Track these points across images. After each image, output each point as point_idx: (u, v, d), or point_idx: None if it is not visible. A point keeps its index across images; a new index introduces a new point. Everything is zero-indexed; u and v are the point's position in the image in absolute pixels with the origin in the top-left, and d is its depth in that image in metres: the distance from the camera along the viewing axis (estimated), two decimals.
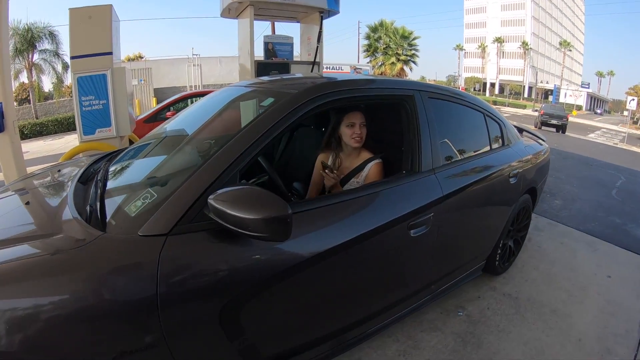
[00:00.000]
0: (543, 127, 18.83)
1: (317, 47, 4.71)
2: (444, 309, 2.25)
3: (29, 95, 19.90)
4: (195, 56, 19.25)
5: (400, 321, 1.88)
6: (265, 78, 2.09)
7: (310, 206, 1.32)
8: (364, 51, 31.57)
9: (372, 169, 1.76)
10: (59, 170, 2.03)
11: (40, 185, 1.80)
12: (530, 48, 54.95)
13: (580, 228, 3.78)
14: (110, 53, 4.10)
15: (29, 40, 18.61)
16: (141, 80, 16.57)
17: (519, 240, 2.73)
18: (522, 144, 2.63)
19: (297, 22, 5.24)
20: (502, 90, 58.01)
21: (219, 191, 1.05)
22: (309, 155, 2.04)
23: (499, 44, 56.64)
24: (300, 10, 4.69)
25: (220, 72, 20.13)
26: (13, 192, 1.68)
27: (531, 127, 3.63)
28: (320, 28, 4.65)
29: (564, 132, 19.16)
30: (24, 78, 20.07)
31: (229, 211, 0.99)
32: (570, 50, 58.63)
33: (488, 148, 2.23)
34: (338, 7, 4.65)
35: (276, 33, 7.34)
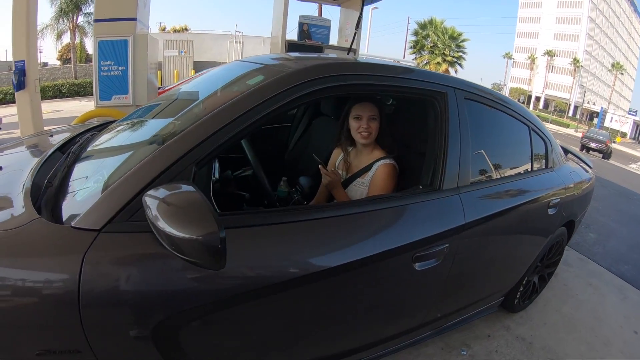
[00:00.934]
0: (588, 152, 18.09)
1: (355, 33, 4.40)
2: (447, 344, 1.97)
3: None
4: (238, 33, 19.37)
5: (395, 353, 1.62)
6: (293, 54, 1.82)
7: (276, 219, 1.03)
8: (410, 47, 30.97)
9: (379, 170, 1.50)
10: (51, 136, 1.90)
11: (26, 149, 1.68)
12: (581, 66, 51.82)
13: (612, 269, 3.38)
14: (135, 19, 3.96)
15: (75, 2, 19.06)
16: (182, 52, 16.81)
17: (545, 277, 2.39)
18: (568, 168, 2.25)
19: (338, 5, 4.95)
20: (546, 105, 55.27)
21: (151, 192, 0.84)
22: (326, 149, 1.80)
23: (549, 57, 53.73)
24: None
25: (263, 51, 20.09)
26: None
27: (576, 150, 3.23)
28: (361, 13, 4.33)
29: (607, 158, 18.41)
30: (67, 39, 20.63)
31: (155, 220, 0.79)
32: (622, 74, 55.05)
33: (528, 169, 1.89)
34: None
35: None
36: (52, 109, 12.39)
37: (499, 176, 1.67)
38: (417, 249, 1.23)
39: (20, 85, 3.94)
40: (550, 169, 2.04)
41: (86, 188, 1.04)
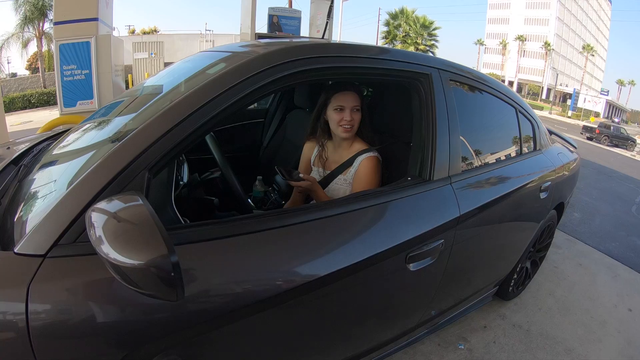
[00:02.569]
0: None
1: (327, 23, 4.28)
2: (443, 339, 1.89)
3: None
4: (208, 32, 19.01)
5: (390, 356, 1.53)
6: (263, 40, 1.67)
7: (245, 228, 0.88)
8: (382, 38, 31.18)
9: (362, 165, 1.38)
10: (8, 148, 1.71)
11: None
12: (552, 49, 53.04)
13: (601, 248, 3.42)
14: (96, 19, 3.73)
15: (40, 8, 18.24)
16: (152, 54, 16.38)
17: (537, 261, 2.34)
18: (556, 149, 2.19)
19: None
20: (520, 89, 56.29)
21: (96, 206, 0.68)
22: (303, 143, 1.66)
23: (520, 42, 54.75)
24: None
25: None
26: None
27: (558, 130, 3.19)
28: (332, 3, 4.22)
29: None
30: (34, 47, 19.76)
31: (99, 243, 0.63)
32: (593, 55, 56.55)
33: (518, 152, 1.80)
34: None
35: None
36: (21, 120, 11.85)
37: (490, 162, 1.57)
38: (411, 248, 1.11)
39: None
40: (539, 151, 1.96)
41: (34, 206, 0.89)
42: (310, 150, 1.60)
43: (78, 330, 0.72)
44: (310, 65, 0.99)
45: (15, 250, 0.72)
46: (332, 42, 1.35)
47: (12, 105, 15.33)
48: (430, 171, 1.22)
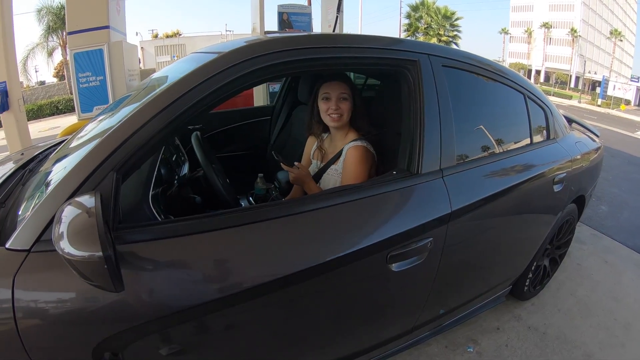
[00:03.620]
0: None
1: (337, 17, 4.19)
2: (451, 341, 1.81)
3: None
4: (228, 32, 19.25)
5: (389, 358, 1.47)
6: (253, 37, 1.67)
7: (210, 225, 0.90)
8: (405, 31, 30.86)
9: (348, 153, 1.35)
10: (22, 154, 1.85)
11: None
12: (579, 35, 50.58)
13: (629, 244, 3.16)
14: (107, 27, 3.83)
15: (62, 17, 19.02)
16: (174, 57, 16.85)
17: (556, 259, 2.20)
18: (573, 138, 2.03)
19: None
20: (547, 78, 53.97)
21: (63, 205, 0.74)
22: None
23: (546, 30, 52.46)
24: None
25: None
26: None
27: (580, 118, 3.00)
28: None
29: None
30: (59, 55, 20.63)
31: (57, 239, 0.70)
32: (622, 41, 53.47)
33: (527, 142, 1.68)
34: None
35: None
36: (49, 126, 12.44)
37: (492, 153, 1.47)
38: (392, 247, 1.05)
39: (3, 106, 3.84)
40: (553, 140, 1.83)
41: (27, 206, 0.97)
42: (310, 145, 1.60)
43: (54, 316, 0.79)
44: (287, 57, 0.97)
45: (6, 246, 0.82)
46: (312, 34, 1.31)
47: (41, 112, 16.10)
48: (418, 164, 1.15)
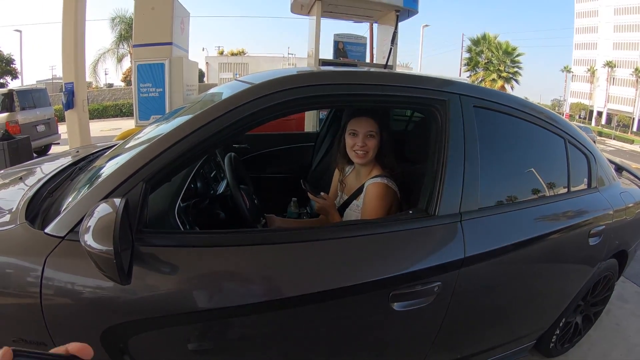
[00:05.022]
0: None
1: (391, 49, 4.29)
2: None
3: None
4: (290, 55, 20.10)
5: None
6: (292, 70, 1.79)
7: (217, 241, 1.00)
8: (465, 65, 30.64)
9: (368, 190, 1.35)
10: (77, 152, 2.08)
11: (49, 163, 1.84)
12: None
13: None
14: (170, 43, 4.22)
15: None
16: (237, 74, 17.87)
17: (590, 317, 2.03)
18: (618, 187, 1.89)
19: (375, 22, 4.92)
20: (609, 120, 50.31)
21: (95, 206, 0.85)
22: None
23: (609, 69, 49.55)
24: (374, 8, 4.36)
25: None
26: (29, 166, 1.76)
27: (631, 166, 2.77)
28: (395, 29, 4.25)
29: None
30: (127, 62, 22.76)
31: (83, 233, 0.81)
32: None
33: (564, 190, 1.60)
34: (417, 7, 4.22)
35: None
36: (111, 127, 13.50)
37: (520, 200, 1.41)
38: (395, 287, 1.05)
39: (69, 104, 4.32)
40: (594, 189, 1.72)
41: (68, 200, 1.11)
42: (337, 176, 1.63)
43: (73, 297, 0.91)
44: (313, 93, 1.05)
45: (45, 231, 0.95)
46: (347, 70, 1.37)
47: (105, 113, 17.62)
48: (436, 205, 1.14)
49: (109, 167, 1.12)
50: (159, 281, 0.93)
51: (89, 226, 0.80)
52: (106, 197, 0.92)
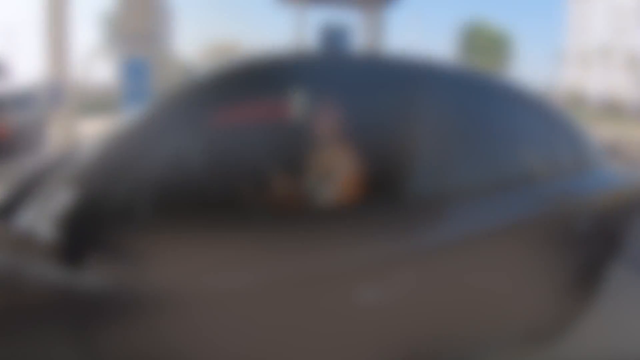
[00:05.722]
0: None
1: None
2: None
3: None
4: None
5: None
6: None
7: None
8: None
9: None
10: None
11: None
12: None
13: None
14: None
15: None
16: None
17: (580, 304, 1.93)
18: (607, 170, 1.76)
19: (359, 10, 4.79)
20: None
21: None
22: None
23: None
24: None
25: None
26: None
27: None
28: None
29: None
30: None
31: None
32: None
33: (546, 172, 1.50)
34: None
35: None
36: None
37: (497, 184, 1.31)
38: (357, 278, 0.99)
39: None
40: (579, 170, 1.60)
41: None
42: None
43: None
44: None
45: None
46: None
47: None
48: (403, 191, 1.08)
49: None
50: None
51: None
52: None
